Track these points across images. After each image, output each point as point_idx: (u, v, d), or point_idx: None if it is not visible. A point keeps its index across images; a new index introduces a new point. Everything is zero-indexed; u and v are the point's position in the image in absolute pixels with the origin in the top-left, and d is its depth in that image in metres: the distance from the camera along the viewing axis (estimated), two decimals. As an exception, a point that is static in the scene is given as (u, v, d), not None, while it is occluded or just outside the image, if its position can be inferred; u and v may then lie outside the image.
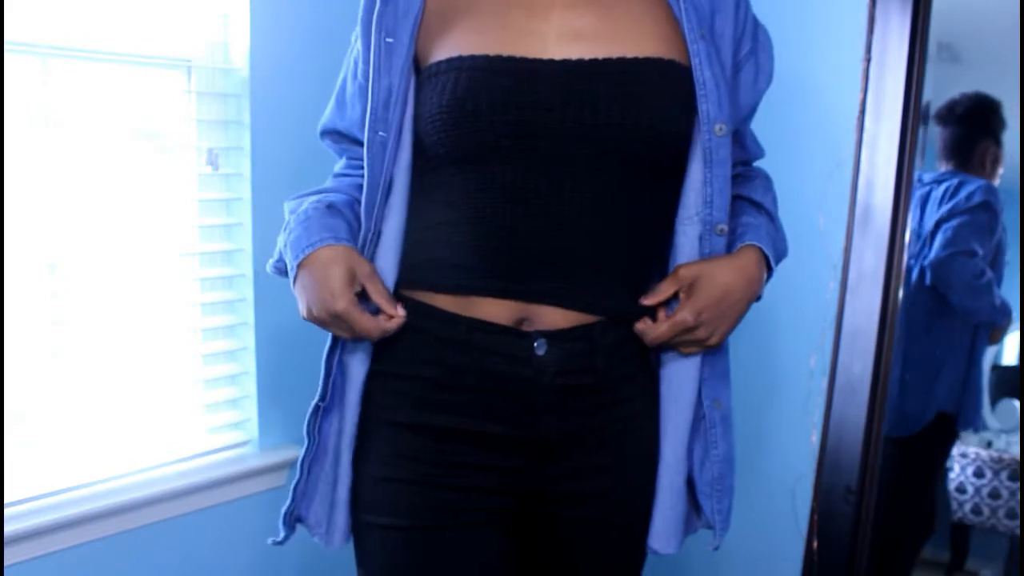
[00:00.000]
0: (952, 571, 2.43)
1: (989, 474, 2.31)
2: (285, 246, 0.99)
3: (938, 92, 1.66)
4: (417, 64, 0.99)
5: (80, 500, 1.33)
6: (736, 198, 1.05)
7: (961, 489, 2.34)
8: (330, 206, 1.00)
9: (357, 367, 1.00)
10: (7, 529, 1.23)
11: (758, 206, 1.05)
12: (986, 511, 2.32)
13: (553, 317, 0.94)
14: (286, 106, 1.54)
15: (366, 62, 0.99)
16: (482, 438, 0.95)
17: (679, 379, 1.01)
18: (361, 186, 1.00)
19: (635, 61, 0.92)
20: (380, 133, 0.96)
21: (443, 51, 0.95)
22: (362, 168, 1.00)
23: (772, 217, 1.06)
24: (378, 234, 0.99)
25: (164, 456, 1.46)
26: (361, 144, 1.00)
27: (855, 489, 1.60)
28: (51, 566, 1.30)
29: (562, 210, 0.92)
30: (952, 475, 2.33)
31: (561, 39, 0.93)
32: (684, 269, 0.97)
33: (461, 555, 0.96)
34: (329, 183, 1.08)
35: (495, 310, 0.94)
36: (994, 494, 2.31)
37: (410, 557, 0.97)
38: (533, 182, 0.92)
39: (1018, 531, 2.25)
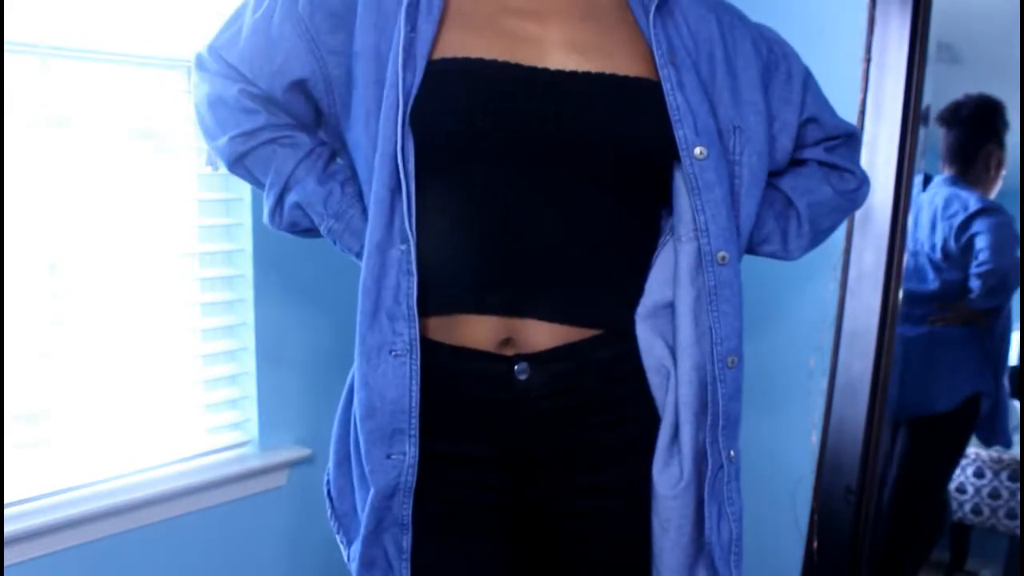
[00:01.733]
0: (952, 571, 2.44)
1: (989, 474, 2.31)
2: (323, 226, 1.00)
3: (938, 93, 1.66)
4: None
5: (80, 500, 1.33)
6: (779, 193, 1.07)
7: (961, 489, 2.34)
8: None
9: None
10: (7, 529, 1.23)
11: (787, 202, 1.07)
12: (986, 511, 2.32)
13: (538, 335, 0.92)
14: (286, 106, 1.53)
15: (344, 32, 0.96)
16: (471, 459, 0.96)
17: (683, 418, 0.95)
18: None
19: (626, 79, 0.92)
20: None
21: (437, 52, 0.93)
22: (291, 129, 1.00)
23: (789, 219, 1.07)
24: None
25: (164, 456, 1.46)
26: (283, 107, 1.00)
27: (855, 489, 1.60)
28: (51, 566, 1.30)
29: (540, 220, 0.91)
30: (952, 475, 2.33)
31: (559, 49, 0.92)
32: None
33: (465, 567, 0.97)
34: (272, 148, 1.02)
35: (478, 330, 0.92)
36: (994, 494, 2.31)
37: (417, 567, 0.97)
38: (514, 190, 0.91)
39: (1018, 531, 2.25)
